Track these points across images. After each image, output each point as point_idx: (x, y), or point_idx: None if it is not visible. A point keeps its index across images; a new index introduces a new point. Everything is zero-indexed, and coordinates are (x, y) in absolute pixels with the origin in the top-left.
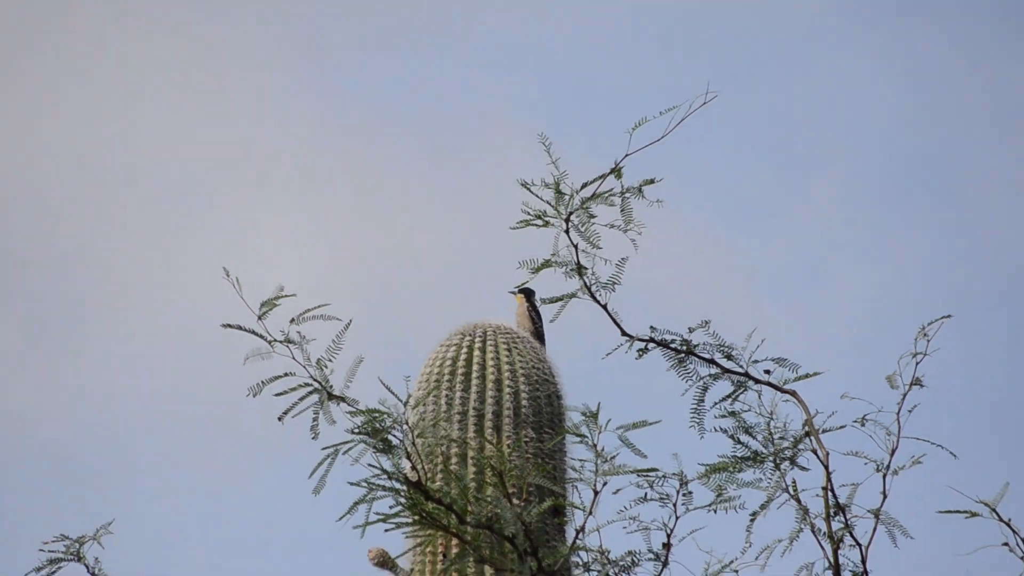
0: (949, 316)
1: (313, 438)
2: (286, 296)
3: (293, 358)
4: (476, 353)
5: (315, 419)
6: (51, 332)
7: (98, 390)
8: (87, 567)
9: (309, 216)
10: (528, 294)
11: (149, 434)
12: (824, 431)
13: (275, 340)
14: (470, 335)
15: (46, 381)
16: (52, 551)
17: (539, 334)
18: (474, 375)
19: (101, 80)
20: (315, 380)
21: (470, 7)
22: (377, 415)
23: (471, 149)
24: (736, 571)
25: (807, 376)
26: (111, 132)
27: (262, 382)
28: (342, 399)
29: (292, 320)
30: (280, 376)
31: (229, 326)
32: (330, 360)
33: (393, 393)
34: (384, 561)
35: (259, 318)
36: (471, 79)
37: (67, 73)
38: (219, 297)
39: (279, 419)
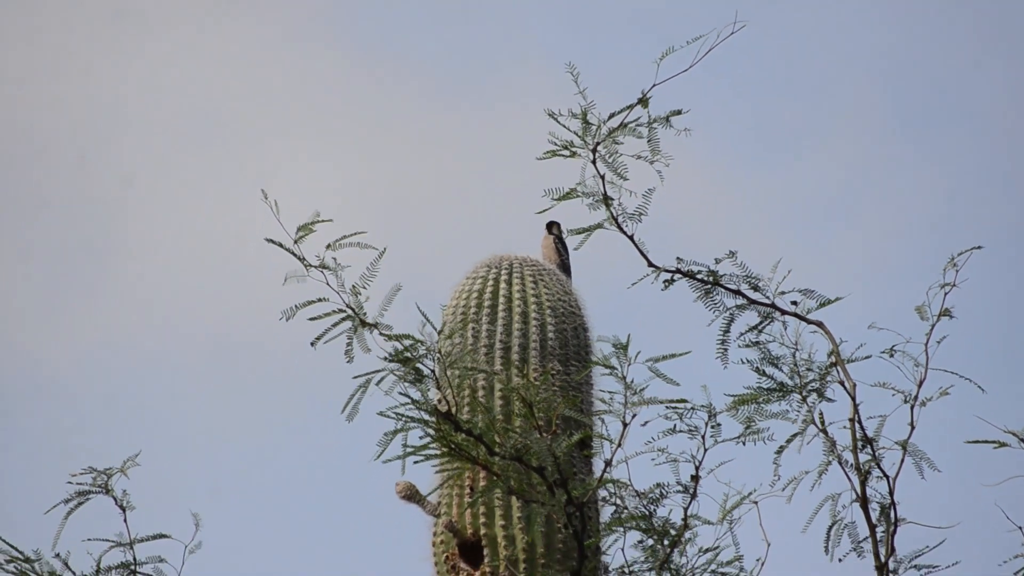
0: (979, 247)
1: (348, 362)
2: (323, 221)
3: (327, 284)
4: (502, 286)
5: (349, 343)
6: (82, 261)
7: (128, 321)
8: (115, 499)
9: (338, 149)
10: (555, 227)
11: (179, 363)
12: (850, 362)
13: (311, 265)
14: (496, 267)
15: (75, 314)
16: (80, 483)
17: (565, 267)
18: (500, 308)
19: (141, 10)
20: (349, 307)
21: None
22: (412, 343)
23: (498, 83)
24: (756, 502)
25: (831, 302)
26: (143, 62)
27: (296, 306)
28: (375, 326)
29: (328, 246)
30: (314, 301)
31: (271, 241)
32: (364, 287)
33: (430, 321)
34: (412, 495)
35: (295, 241)
36: (499, 12)
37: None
38: (255, 225)
39: (312, 344)
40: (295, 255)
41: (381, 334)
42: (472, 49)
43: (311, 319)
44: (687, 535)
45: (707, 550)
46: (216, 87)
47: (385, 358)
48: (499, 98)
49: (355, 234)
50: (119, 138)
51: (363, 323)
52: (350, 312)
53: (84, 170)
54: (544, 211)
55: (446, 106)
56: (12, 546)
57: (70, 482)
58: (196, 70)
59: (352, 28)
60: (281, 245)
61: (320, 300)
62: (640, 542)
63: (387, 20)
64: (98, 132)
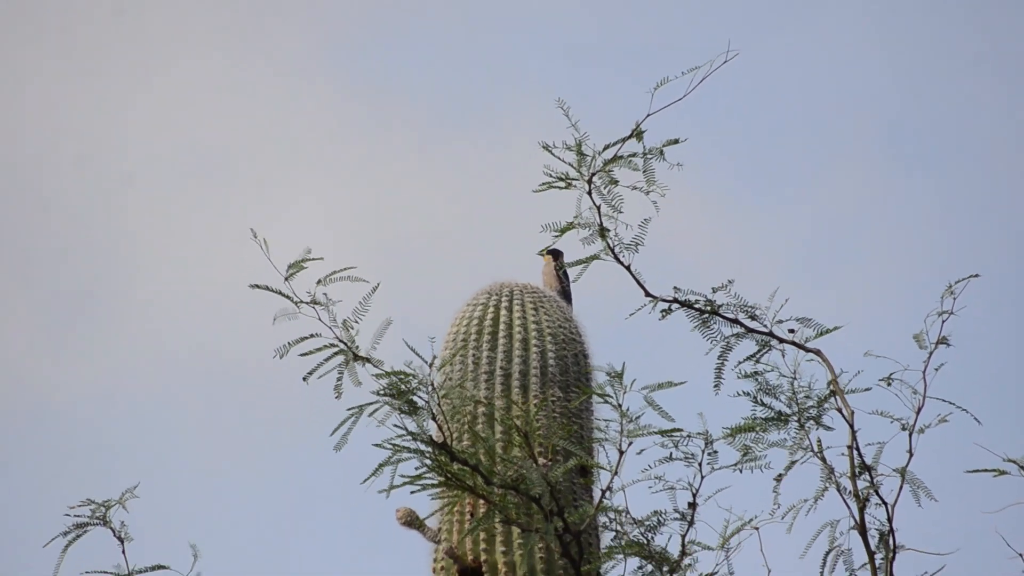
0: (976, 275)
1: (336, 397)
2: (313, 259)
3: (319, 319)
4: (503, 312)
5: (339, 379)
6: (78, 304)
7: (125, 359)
8: (113, 531)
9: (333, 182)
10: (556, 255)
11: (174, 400)
12: (849, 391)
13: (301, 301)
14: (497, 294)
15: (73, 353)
16: (78, 515)
17: (566, 294)
18: (501, 334)
19: (134, 49)
20: (341, 341)
21: None
22: (402, 377)
23: (493, 115)
24: (756, 528)
25: (829, 331)
26: (139, 99)
27: (288, 343)
28: (367, 360)
29: (319, 281)
30: (306, 337)
31: (257, 286)
32: (356, 321)
33: (418, 354)
34: (412, 521)
35: (286, 279)
36: (491, 44)
37: (102, 44)
38: (246, 263)
39: (304, 379)
40: (284, 295)
41: (374, 366)
42: (466, 82)
43: (302, 355)
44: (686, 561)
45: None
46: (212, 117)
47: (377, 391)
48: (494, 132)
49: (345, 269)
50: (120, 143)
51: (355, 357)
52: (342, 347)
53: (83, 176)
54: (544, 250)
55: (441, 141)
56: None
57: (68, 514)
58: (192, 104)
59: (343, 62)
60: (268, 288)
61: (312, 336)
62: (640, 568)
63: (378, 55)
64: (93, 161)
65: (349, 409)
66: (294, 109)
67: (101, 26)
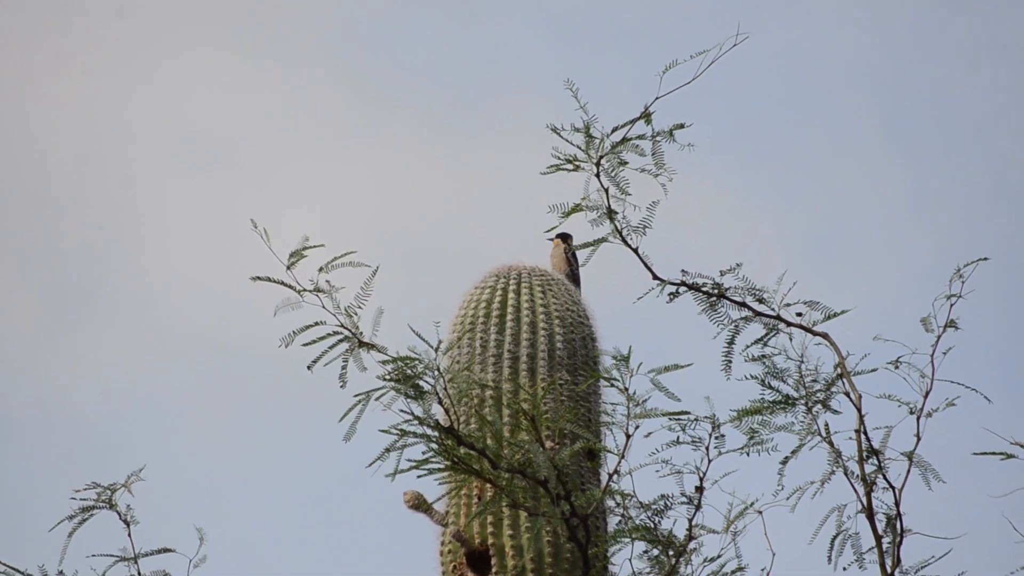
0: (985, 258)
1: (341, 386)
2: (313, 247)
3: (323, 307)
4: (511, 295)
5: (344, 367)
6: (78, 296)
7: (126, 351)
8: (119, 514)
9: (339, 168)
10: (565, 238)
11: (179, 388)
12: (856, 374)
13: (304, 290)
14: (505, 277)
15: (75, 345)
16: (84, 499)
17: (575, 277)
18: (508, 317)
19: (136, 42)
20: (345, 328)
21: None
22: (408, 362)
23: (501, 100)
24: (760, 512)
25: (837, 314)
26: (143, 93)
27: (293, 332)
28: (372, 346)
29: (320, 269)
30: (310, 325)
31: (258, 278)
32: (359, 308)
33: (423, 339)
34: (419, 504)
35: (287, 268)
36: (498, 31)
37: (102, 35)
38: (249, 252)
39: (308, 368)
40: (286, 284)
41: (379, 351)
42: (473, 68)
43: (305, 344)
44: (692, 545)
45: (712, 559)
46: (217, 112)
47: (383, 376)
48: (504, 117)
49: (345, 254)
50: (121, 144)
51: (360, 343)
52: (347, 333)
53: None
54: (551, 229)
55: (448, 125)
56: (15, 568)
57: (74, 498)
58: (196, 96)
59: (347, 52)
60: (270, 279)
61: (317, 324)
62: (646, 552)
63: (382, 44)
64: (95, 153)
65: (356, 395)
66: (295, 101)
67: (101, 26)
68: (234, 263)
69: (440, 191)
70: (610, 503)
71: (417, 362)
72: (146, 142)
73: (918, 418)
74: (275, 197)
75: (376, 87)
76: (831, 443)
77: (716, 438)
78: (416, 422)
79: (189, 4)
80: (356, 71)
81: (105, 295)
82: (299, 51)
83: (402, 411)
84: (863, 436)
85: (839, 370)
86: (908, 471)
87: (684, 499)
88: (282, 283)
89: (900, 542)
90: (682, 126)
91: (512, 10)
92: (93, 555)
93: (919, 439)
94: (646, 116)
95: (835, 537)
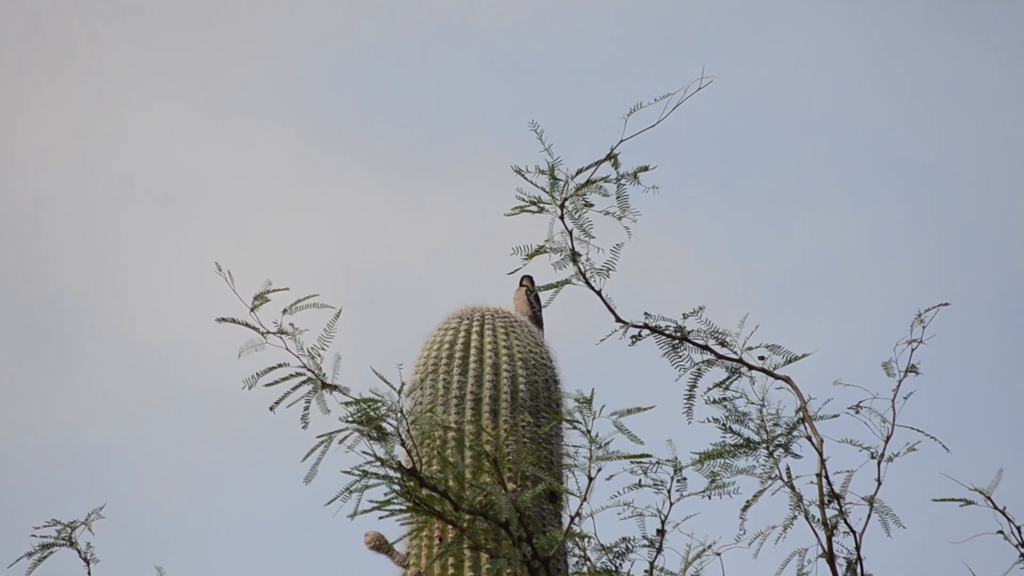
0: (946, 304)
1: (303, 427)
2: (277, 290)
3: (286, 348)
4: (474, 337)
5: (306, 408)
6: (48, 332)
7: (94, 387)
8: (79, 552)
9: (302, 210)
10: (527, 280)
11: (144, 428)
12: (818, 418)
13: (268, 332)
14: (468, 319)
15: (43, 378)
16: (44, 536)
17: (538, 319)
18: (472, 359)
19: (99, 86)
20: (308, 369)
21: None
22: (370, 404)
23: (465, 141)
24: (718, 553)
25: (798, 358)
26: (109, 137)
27: (256, 374)
28: (335, 388)
29: (284, 311)
30: (274, 367)
31: (223, 320)
32: (323, 349)
33: (386, 381)
34: (380, 545)
35: (251, 310)
36: (464, 75)
37: (68, 77)
38: (212, 297)
39: (270, 409)
40: (249, 326)
41: (342, 393)
42: (438, 108)
43: (267, 385)
44: None
45: None
46: (181, 159)
47: (345, 418)
48: (467, 158)
49: (309, 296)
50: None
51: (323, 385)
52: (310, 375)
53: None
54: (515, 271)
55: (408, 172)
56: None
57: (34, 535)
58: (159, 142)
59: (309, 95)
60: (235, 320)
61: (280, 365)
62: None
63: (346, 87)
64: (63, 193)
65: (318, 437)
66: (258, 150)
67: (101, 25)
68: (199, 305)
69: (402, 235)
70: (571, 545)
71: (380, 404)
72: (109, 187)
73: (879, 463)
74: (240, 243)
75: (336, 134)
76: (792, 487)
77: (678, 481)
78: (378, 463)
79: (152, 58)
80: (316, 120)
81: (70, 337)
82: (260, 101)
83: (364, 452)
84: (824, 480)
85: (801, 414)
86: (868, 516)
87: (646, 542)
88: (246, 324)
89: None
90: (646, 168)
91: (471, 57)
92: None
93: (880, 483)
94: (612, 158)
95: None
